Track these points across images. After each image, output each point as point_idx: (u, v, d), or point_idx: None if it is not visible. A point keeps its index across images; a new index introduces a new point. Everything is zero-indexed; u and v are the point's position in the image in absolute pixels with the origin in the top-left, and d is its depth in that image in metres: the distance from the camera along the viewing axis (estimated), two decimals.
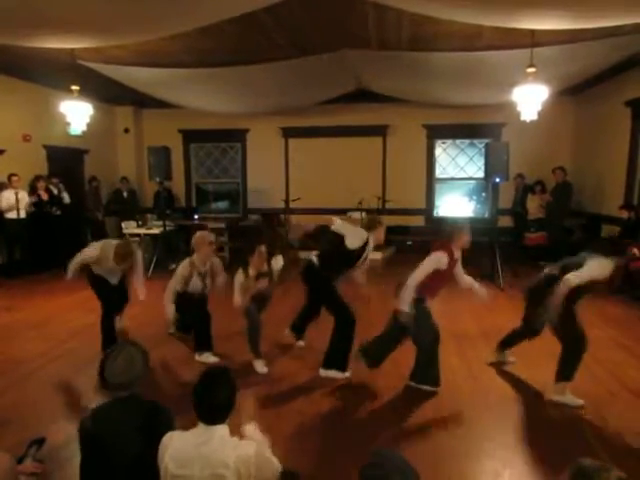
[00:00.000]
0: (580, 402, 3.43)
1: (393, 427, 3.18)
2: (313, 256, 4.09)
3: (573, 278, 3.22)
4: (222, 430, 1.77)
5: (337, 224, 4.12)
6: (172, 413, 2.04)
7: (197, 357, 4.25)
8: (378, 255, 9.24)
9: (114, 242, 4.39)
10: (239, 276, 4.07)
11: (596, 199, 8.78)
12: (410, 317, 3.53)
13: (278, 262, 4.28)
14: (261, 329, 4.10)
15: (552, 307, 3.31)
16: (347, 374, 3.91)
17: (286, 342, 4.51)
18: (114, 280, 4.49)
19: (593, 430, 3.13)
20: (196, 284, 4.28)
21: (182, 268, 4.26)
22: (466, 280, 3.89)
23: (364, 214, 9.63)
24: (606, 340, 4.77)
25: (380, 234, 4.08)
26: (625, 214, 7.06)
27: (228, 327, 4.68)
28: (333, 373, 3.91)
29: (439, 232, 3.90)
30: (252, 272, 4.06)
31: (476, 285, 3.87)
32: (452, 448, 2.94)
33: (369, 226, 4.05)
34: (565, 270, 3.35)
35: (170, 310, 4.20)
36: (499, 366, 4.13)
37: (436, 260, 3.56)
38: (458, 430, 3.15)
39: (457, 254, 3.70)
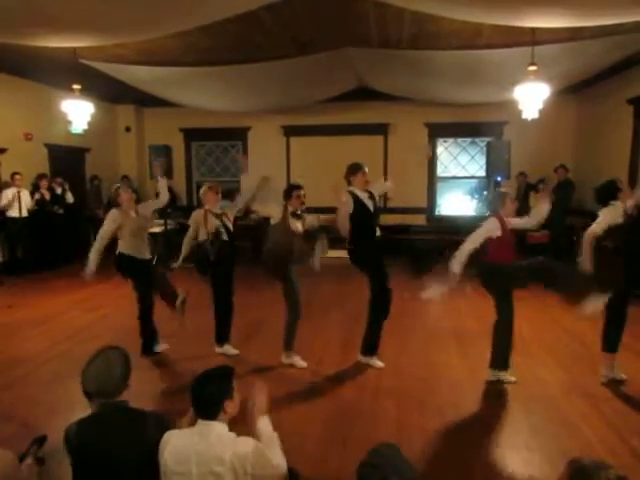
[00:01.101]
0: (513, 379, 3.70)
1: (394, 425, 3.18)
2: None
3: (593, 227, 3.62)
4: (220, 427, 1.78)
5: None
6: (166, 419, 1.97)
7: (217, 349, 4.31)
8: None
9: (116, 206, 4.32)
10: (275, 209, 4.12)
11: None
12: (456, 278, 3.64)
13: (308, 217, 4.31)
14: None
15: (583, 257, 3.62)
16: (379, 363, 4.05)
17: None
18: (146, 253, 4.36)
19: (592, 427, 3.13)
20: (213, 223, 4.27)
21: (194, 215, 4.36)
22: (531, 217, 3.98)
23: None
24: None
25: (359, 181, 4.05)
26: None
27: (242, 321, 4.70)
28: (367, 359, 4.07)
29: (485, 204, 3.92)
30: (290, 209, 4.10)
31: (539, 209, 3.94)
32: (453, 446, 2.94)
33: (347, 179, 4.10)
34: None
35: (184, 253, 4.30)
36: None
37: (487, 227, 3.66)
38: (459, 428, 3.15)
39: (509, 221, 3.75)
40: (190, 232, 4.33)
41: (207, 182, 4.54)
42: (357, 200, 3.97)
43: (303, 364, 4.10)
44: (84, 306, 4.86)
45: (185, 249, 4.32)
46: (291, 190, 4.13)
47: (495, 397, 3.60)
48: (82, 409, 2.01)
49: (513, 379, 3.77)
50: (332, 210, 4.07)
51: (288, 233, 4.03)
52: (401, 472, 1.30)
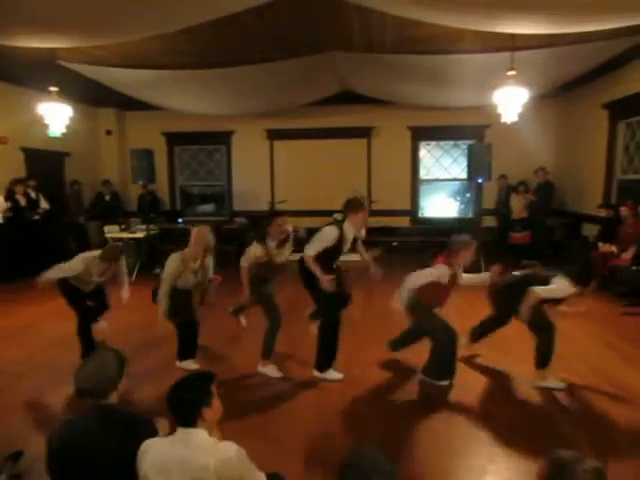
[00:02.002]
0: (562, 384, 3.67)
1: (379, 427, 3.19)
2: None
3: (539, 291, 3.55)
4: (200, 434, 1.75)
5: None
6: (152, 423, 1.97)
7: (178, 364, 4.15)
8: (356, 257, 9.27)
9: (96, 253, 4.26)
10: (255, 250, 3.93)
11: (577, 199, 8.93)
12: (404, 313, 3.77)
13: (288, 227, 4.17)
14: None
15: (524, 311, 3.58)
16: (338, 375, 3.91)
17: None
18: (88, 288, 4.37)
19: (572, 422, 3.19)
20: (187, 280, 4.06)
21: (171, 263, 3.97)
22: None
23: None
24: (588, 336, 4.87)
25: (357, 220, 3.85)
26: (604, 213, 7.20)
27: (217, 331, 4.66)
28: (327, 374, 3.92)
29: (440, 244, 3.91)
30: (272, 243, 3.97)
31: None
32: (437, 445, 2.96)
33: (344, 211, 3.91)
34: (529, 280, 3.69)
35: (162, 316, 3.96)
36: (483, 362, 4.20)
37: (441, 272, 3.67)
38: (443, 427, 3.17)
39: (460, 271, 3.82)
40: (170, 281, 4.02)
41: (207, 232, 4.11)
42: (340, 239, 3.81)
43: (277, 374, 3.98)
44: (62, 315, 4.75)
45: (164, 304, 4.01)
46: (272, 218, 3.97)
47: (475, 394, 3.63)
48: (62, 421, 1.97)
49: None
50: (318, 212, 4.05)
51: (272, 269, 4.01)
52: (384, 473, 1.30)
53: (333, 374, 3.90)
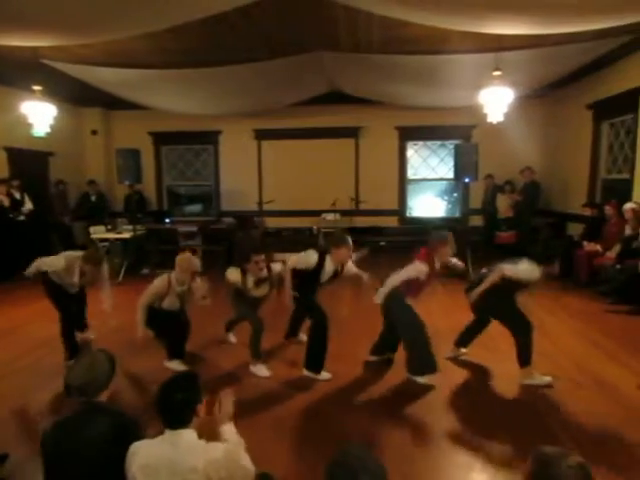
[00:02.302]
0: (548, 379, 3.75)
1: (367, 424, 3.20)
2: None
3: (506, 268, 3.68)
4: (188, 435, 1.75)
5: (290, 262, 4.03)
6: (140, 423, 1.98)
7: (166, 363, 4.12)
8: (352, 256, 9.29)
9: (79, 254, 4.23)
10: (230, 274, 4.03)
11: (562, 198, 9.05)
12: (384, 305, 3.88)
13: (276, 267, 4.24)
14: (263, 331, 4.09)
15: (477, 291, 3.76)
16: (327, 375, 3.93)
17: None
18: (72, 290, 4.34)
19: (558, 418, 3.23)
20: (173, 303, 4.08)
21: (157, 284, 4.00)
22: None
23: (337, 215, 9.72)
24: (572, 333, 4.93)
25: (339, 255, 3.92)
26: (588, 212, 7.30)
27: (206, 333, 4.63)
28: (312, 374, 3.94)
29: (425, 241, 3.96)
30: (250, 280, 4.07)
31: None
32: (424, 442, 2.98)
33: (325, 249, 4.00)
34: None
35: (141, 329, 3.93)
36: (469, 360, 4.23)
37: (418, 270, 3.81)
38: (431, 424, 3.18)
39: (437, 265, 3.90)
40: (148, 301, 4.01)
41: (192, 260, 4.11)
42: (318, 267, 3.90)
43: (266, 373, 4.00)
44: (48, 317, 4.68)
45: (141, 329, 3.97)
46: (249, 254, 4.06)
47: (461, 392, 3.66)
48: (47, 423, 1.95)
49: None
50: (306, 212, 4.07)
51: (248, 299, 4.13)
52: (372, 472, 1.30)
53: (324, 374, 3.93)
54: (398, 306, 3.84)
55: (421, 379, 3.79)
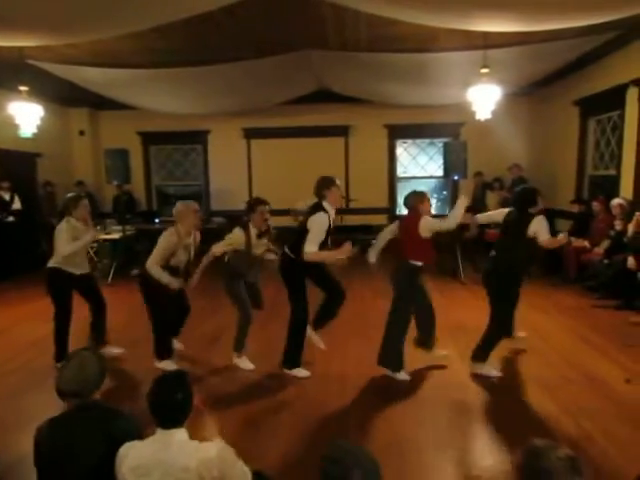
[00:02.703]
0: (495, 372, 3.86)
1: (358, 421, 3.21)
2: (286, 248, 3.92)
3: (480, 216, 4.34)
4: (181, 434, 1.74)
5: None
6: (136, 420, 1.96)
7: (157, 364, 4.04)
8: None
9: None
10: (237, 236, 3.89)
11: (550, 194, 9.10)
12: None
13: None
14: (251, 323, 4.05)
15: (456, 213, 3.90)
16: (306, 373, 3.92)
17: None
18: (78, 270, 4.14)
19: (547, 413, 3.26)
20: (181, 259, 3.97)
21: (168, 238, 3.84)
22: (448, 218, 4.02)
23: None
24: (561, 328, 4.99)
25: (333, 194, 3.74)
26: (576, 208, 7.38)
27: (193, 328, 4.61)
28: (296, 371, 3.93)
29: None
30: (253, 231, 3.95)
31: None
32: (415, 438, 2.99)
33: (318, 193, 3.77)
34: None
35: (166, 277, 3.81)
36: (457, 353, 4.24)
37: (391, 228, 3.98)
38: (422, 420, 3.20)
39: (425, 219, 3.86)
40: (159, 260, 3.86)
41: (189, 202, 4.03)
42: (329, 220, 3.71)
43: (250, 366, 4.02)
44: (40, 317, 4.63)
45: (165, 277, 3.87)
46: (255, 205, 3.95)
47: (454, 388, 3.69)
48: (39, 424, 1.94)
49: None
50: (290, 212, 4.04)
51: (249, 261, 3.99)
52: (364, 466, 1.31)
53: (302, 371, 3.92)
54: (406, 285, 3.81)
55: (389, 373, 3.82)
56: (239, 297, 4.05)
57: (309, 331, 4.03)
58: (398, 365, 3.82)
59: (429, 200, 3.94)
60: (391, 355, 3.82)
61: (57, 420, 1.90)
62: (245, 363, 4.05)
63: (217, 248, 3.89)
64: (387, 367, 3.84)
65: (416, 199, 3.85)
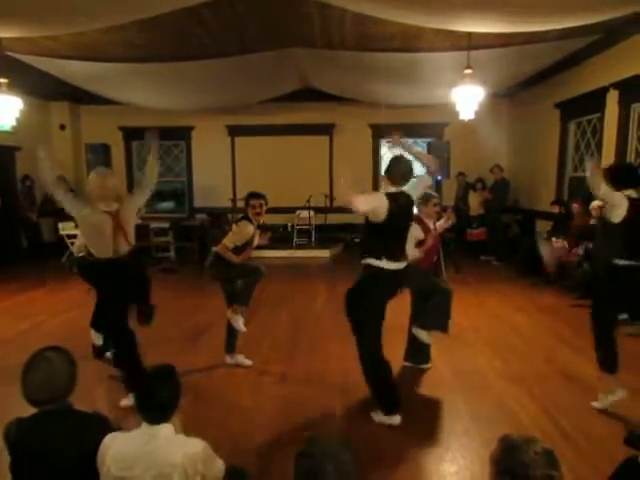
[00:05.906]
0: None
1: (339, 419, 3.22)
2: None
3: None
4: (166, 429, 1.73)
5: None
6: (111, 423, 1.91)
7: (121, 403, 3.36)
8: (326, 253, 9.33)
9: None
10: (246, 227, 3.84)
11: (531, 195, 9.26)
12: None
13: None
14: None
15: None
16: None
17: None
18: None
19: (525, 410, 3.31)
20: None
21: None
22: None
23: (311, 213, 9.74)
24: (539, 327, 5.07)
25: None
26: (556, 209, 7.49)
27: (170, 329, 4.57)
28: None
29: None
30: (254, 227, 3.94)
31: None
32: (394, 434, 3.01)
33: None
34: None
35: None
36: (442, 354, 4.26)
37: (413, 234, 3.61)
38: (402, 417, 3.22)
39: (430, 223, 3.87)
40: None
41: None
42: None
43: (248, 362, 4.06)
44: (14, 314, 4.54)
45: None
46: (248, 199, 3.92)
47: (435, 386, 3.72)
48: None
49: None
50: (280, 209, 4.02)
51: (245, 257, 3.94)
52: (338, 460, 1.30)
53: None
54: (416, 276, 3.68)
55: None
56: (240, 288, 3.97)
57: None
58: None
59: (435, 204, 3.89)
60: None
61: (29, 424, 1.80)
62: (243, 361, 4.08)
63: (230, 244, 3.82)
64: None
65: (421, 200, 3.82)
